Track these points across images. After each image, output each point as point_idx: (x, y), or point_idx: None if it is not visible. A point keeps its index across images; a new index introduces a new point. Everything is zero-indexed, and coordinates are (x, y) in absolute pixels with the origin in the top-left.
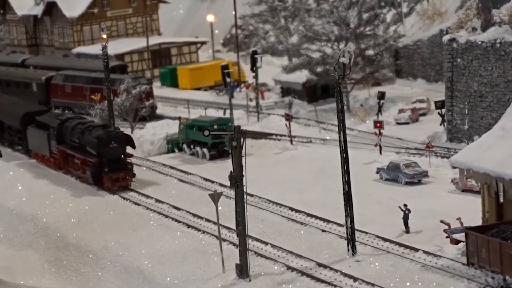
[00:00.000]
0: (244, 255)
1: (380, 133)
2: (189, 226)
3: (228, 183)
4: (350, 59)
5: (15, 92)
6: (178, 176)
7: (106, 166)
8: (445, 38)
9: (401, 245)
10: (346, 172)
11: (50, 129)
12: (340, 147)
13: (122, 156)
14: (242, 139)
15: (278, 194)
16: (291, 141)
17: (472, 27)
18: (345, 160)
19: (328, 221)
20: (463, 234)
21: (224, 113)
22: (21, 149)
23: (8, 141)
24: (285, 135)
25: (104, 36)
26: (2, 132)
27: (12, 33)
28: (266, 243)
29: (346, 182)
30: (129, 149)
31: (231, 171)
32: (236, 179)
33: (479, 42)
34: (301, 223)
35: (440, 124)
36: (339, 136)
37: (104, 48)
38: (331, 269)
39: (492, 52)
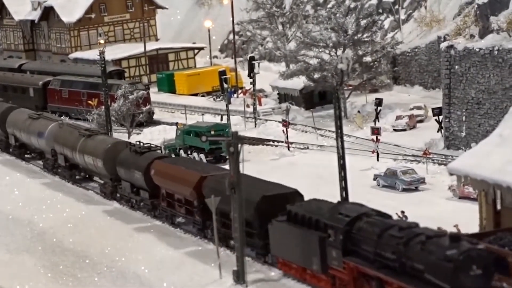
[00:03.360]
0: (241, 261)
1: (378, 140)
2: (186, 231)
3: None
4: (348, 65)
5: (12, 97)
6: None
7: None
8: (443, 45)
9: None
10: (343, 178)
11: (326, 229)
12: (337, 153)
13: None
14: (239, 145)
15: None
16: (288, 147)
17: (470, 34)
18: (342, 167)
19: None
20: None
21: (221, 119)
22: (256, 253)
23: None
24: (282, 141)
25: (102, 41)
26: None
27: (9, 38)
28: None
29: (344, 188)
30: None
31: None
32: (234, 185)
33: (477, 49)
34: None
35: (438, 131)
36: (337, 143)
37: (102, 53)
38: None
39: (490, 59)
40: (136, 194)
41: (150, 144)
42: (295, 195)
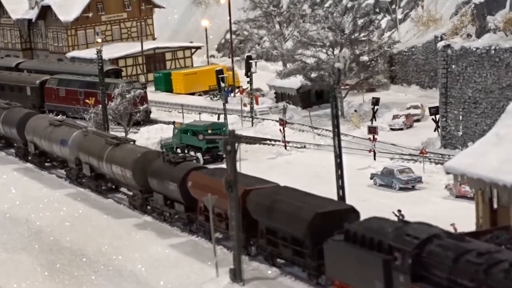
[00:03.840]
0: (238, 259)
1: (375, 139)
2: (182, 230)
3: None
4: (345, 64)
5: (9, 96)
6: None
7: None
8: (440, 44)
9: None
10: (340, 177)
11: (391, 251)
12: (334, 152)
13: None
14: (236, 144)
15: None
16: (285, 146)
17: (467, 34)
18: (339, 166)
19: None
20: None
21: (218, 118)
22: (308, 274)
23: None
24: (279, 140)
25: (99, 40)
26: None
27: (7, 37)
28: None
29: (341, 187)
30: None
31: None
32: (231, 184)
33: (474, 49)
34: None
35: (434, 130)
36: (334, 142)
37: (99, 52)
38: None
39: (486, 58)
40: (170, 207)
41: (185, 154)
42: (350, 211)
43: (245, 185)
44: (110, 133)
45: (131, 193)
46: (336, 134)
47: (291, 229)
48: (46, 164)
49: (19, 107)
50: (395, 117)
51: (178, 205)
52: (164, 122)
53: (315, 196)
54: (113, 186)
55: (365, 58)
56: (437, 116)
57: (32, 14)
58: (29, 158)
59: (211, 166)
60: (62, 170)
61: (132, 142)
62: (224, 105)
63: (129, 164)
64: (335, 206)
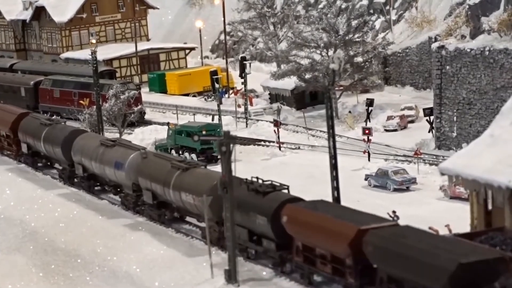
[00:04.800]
0: (233, 260)
1: (369, 140)
2: (177, 231)
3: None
4: (340, 65)
5: (3, 97)
6: None
7: None
8: (434, 45)
9: None
10: (335, 178)
11: None
12: (329, 153)
13: None
14: (231, 145)
15: None
16: (279, 147)
17: (461, 35)
18: (334, 167)
19: None
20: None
21: (213, 119)
22: None
23: None
24: (273, 141)
25: (94, 41)
26: None
27: (1, 38)
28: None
29: (336, 188)
30: None
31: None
32: (226, 185)
33: (468, 50)
34: None
35: (429, 131)
36: (329, 142)
37: (93, 53)
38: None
39: (481, 59)
40: (257, 243)
41: (272, 181)
42: (500, 261)
43: (358, 223)
44: (175, 155)
45: (204, 225)
46: (331, 135)
47: (424, 280)
48: (96, 188)
49: (62, 123)
50: (389, 118)
51: (268, 242)
52: (159, 123)
53: (450, 240)
54: (179, 216)
55: (359, 59)
56: (431, 117)
57: (26, 15)
58: (76, 181)
59: (209, 167)
60: (116, 196)
61: (203, 166)
62: (218, 106)
63: (204, 192)
64: (482, 255)
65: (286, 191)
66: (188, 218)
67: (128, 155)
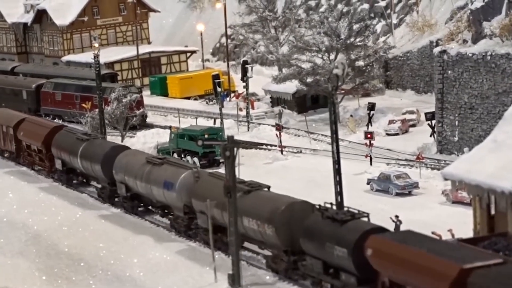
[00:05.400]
0: (237, 264)
1: (371, 144)
2: (181, 235)
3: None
4: (343, 70)
5: (4, 99)
6: None
7: None
8: (436, 50)
9: None
10: (339, 183)
11: None
12: (333, 158)
13: None
14: (235, 149)
15: None
16: (281, 151)
17: (463, 39)
18: (338, 171)
19: None
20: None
21: (214, 123)
22: None
23: None
24: (275, 145)
25: (96, 44)
26: None
27: (2, 41)
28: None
29: (339, 193)
30: None
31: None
32: (229, 189)
33: (470, 54)
34: None
35: (430, 136)
36: (332, 147)
37: (96, 56)
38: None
39: (482, 64)
40: (334, 276)
41: (348, 207)
42: None
43: (459, 260)
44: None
45: (270, 254)
46: (335, 139)
47: None
48: (140, 209)
49: (100, 138)
50: (390, 122)
51: (347, 275)
52: (160, 127)
53: None
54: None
55: (360, 63)
56: (433, 122)
57: (28, 18)
58: (116, 200)
59: (208, 171)
60: (165, 219)
61: (266, 189)
62: (220, 109)
63: (271, 218)
64: None
65: (366, 219)
66: (246, 244)
67: (178, 174)
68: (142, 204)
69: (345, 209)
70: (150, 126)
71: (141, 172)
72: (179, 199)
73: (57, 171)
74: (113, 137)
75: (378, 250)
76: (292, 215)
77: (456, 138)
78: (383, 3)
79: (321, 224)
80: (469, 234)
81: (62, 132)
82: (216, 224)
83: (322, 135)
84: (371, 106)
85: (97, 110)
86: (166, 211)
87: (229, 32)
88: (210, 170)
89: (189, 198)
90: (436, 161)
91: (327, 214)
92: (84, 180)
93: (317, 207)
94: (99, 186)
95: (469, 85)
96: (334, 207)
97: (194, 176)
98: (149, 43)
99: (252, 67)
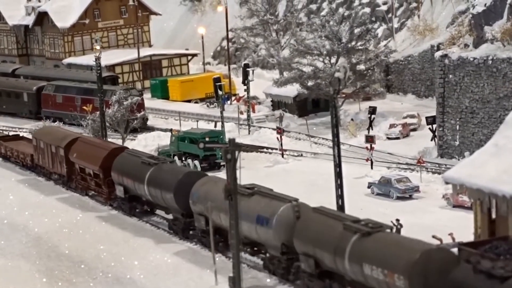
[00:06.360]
0: (238, 267)
1: (372, 148)
2: (181, 237)
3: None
4: (345, 74)
5: (5, 102)
6: None
7: None
8: (437, 54)
9: None
10: (340, 186)
11: None
12: (334, 161)
13: None
14: (237, 152)
15: None
16: (282, 154)
17: (464, 44)
18: (339, 175)
19: None
20: (456, 249)
21: (215, 126)
22: None
23: None
24: (276, 149)
25: (98, 47)
26: None
27: (3, 43)
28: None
29: (340, 196)
30: None
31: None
32: (231, 192)
33: (471, 59)
34: None
35: (431, 140)
36: (334, 151)
37: (97, 59)
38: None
39: (484, 68)
40: None
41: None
42: None
43: None
44: (347, 214)
45: None
46: (336, 143)
47: None
48: (221, 243)
49: (169, 162)
50: (391, 126)
51: None
52: (161, 129)
53: None
54: None
55: (361, 67)
56: (434, 126)
57: (29, 20)
58: (191, 233)
59: (209, 174)
60: (257, 258)
61: (388, 230)
62: (221, 112)
63: (402, 268)
64: None
65: None
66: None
67: (276, 208)
68: (223, 239)
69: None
70: (151, 129)
71: (227, 204)
72: (277, 238)
73: (117, 198)
74: (114, 140)
75: None
76: (429, 265)
77: (457, 143)
78: (384, 7)
79: (472, 280)
80: (470, 238)
81: (123, 154)
82: (323, 270)
83: (323, 138)
84: (372, 110)
85: (98, 112)
86: (255, 248)
87: (230, 35)
88: (213, 173)
89: (289, 237)
90: (437, 165)
91: (481, 267)
92: (149, 209)
93: (466, 260)
94: (169, 216)
95: (470, 90)
96: (489, 256)
97: (294, 211)
98: (150, 46)
99: (253, 71)
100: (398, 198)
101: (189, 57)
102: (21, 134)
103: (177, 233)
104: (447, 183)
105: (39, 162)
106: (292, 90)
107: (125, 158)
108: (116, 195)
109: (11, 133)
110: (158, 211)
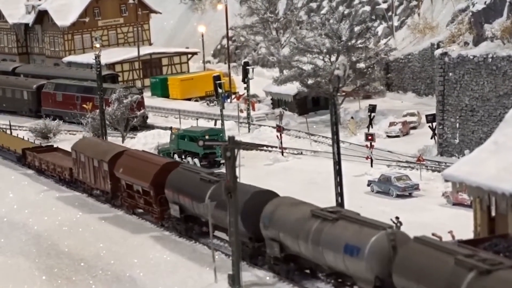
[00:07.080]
0: (237, 265)
1: (372, 146)
2: (181, 235)
3: None
4: (344, 71)
5: (5, 100)
6: None
7: None
8: (437, 52)
9: None
10: (339, 184)
11: None
12: (333, 159)
13: None
14: (236, 150)
15: None
16: (282, 152)
17: (464, 42)
18: (338, 172)
19: None
20: None
21: (215, 124)
22: None
23: None
24: (276, 147)
25: (98, 45)
26: None
27: (3, 41)
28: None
29: (339, 194)
30: None
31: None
32: (230, 190)
33: (471, 57)
34: None
35: (431, 138)
36: (333, 148)
37: (97, 57)
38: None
39: (484, 66)
40: None
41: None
42: None
43: None
44: (456, 245)
45: None
46: (336, 140)
47: None
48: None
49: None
50: (391, 124)
51: None
52: (161, 128)
53: None
54: None
55: (361, 65)
56: (434, 124)
57: (29, 19)
58: (259, 258)
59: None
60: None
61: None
62: (221, 111)
63: None
64: None
65: None
66: None
67: (368, 236)
68: (299, 268)
69: None
70: (151, 127)
71: (306, 229)
72: (369, 270)
73: (171, 218)
74: (113, 138)
75: None
76: None
77: (456, 140)
78: (384, 5)
79: None
80: (470, 235)
81: (178, 170)
82: None
83: (323, 136)
84: (372, 108)
85: (97, 111)
86: (340, 280)
87: (230, 33)
88: (215, 170)
89: (385, 270)
90: (437, 163)
91: None
92: (206, 230)
93: None
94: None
95: (470, 88)
96: None
97: (389, 240)
98: (150, 44)
99: (253, 69)
100: (398, 196)
101: (189, 56)
102: (54, 145)
103: (244, 258)
104: (446, 181)
105: (79, 176)
106: (292, 88)
107: (181, 174)
108: (169, 215)
109: (14, 133)
110: (217, 233)
